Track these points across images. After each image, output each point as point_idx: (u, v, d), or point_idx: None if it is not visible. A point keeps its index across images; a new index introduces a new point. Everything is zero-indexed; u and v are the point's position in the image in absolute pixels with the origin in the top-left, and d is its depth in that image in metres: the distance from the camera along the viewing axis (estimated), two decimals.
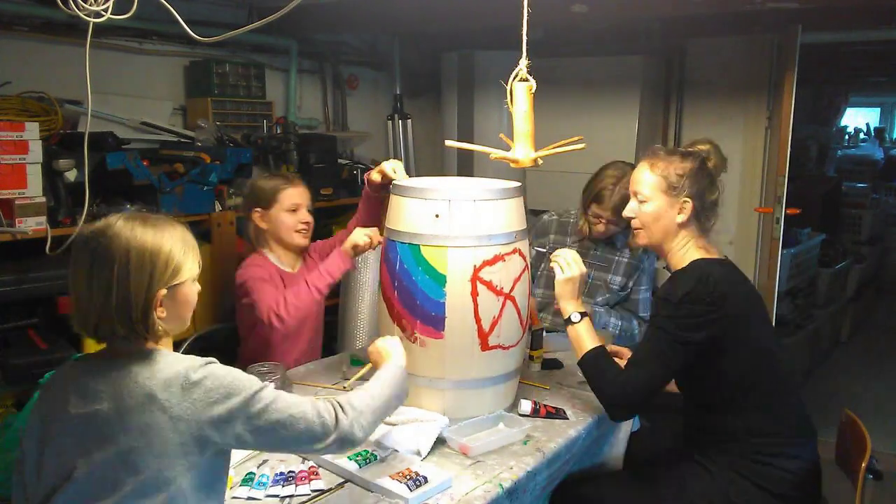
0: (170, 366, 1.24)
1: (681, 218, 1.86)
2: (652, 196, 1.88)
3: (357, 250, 2.18)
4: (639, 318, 2.72)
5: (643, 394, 1.78)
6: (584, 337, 1.91)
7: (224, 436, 1.23)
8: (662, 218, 1.87)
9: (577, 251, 2.63)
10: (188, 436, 1.21)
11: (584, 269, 1.97)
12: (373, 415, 1.41)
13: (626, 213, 1.96)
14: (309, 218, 2.44)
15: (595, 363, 1.86)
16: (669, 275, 1.90)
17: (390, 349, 1.67)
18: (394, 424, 1.84)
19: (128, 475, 1.19)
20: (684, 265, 1.86)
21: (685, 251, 1.88)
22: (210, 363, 1.26)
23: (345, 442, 1.34)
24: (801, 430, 1.85)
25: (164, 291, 1.26)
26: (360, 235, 2.18)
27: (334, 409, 1.34)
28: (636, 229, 1.94)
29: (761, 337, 1.86)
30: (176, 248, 1.29)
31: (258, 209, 2.42)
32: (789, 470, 1.77)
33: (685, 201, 1.85)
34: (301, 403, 1.31)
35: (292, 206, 2.39)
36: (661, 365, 1.78)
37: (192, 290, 1.34)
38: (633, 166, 2.52)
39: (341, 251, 2.20)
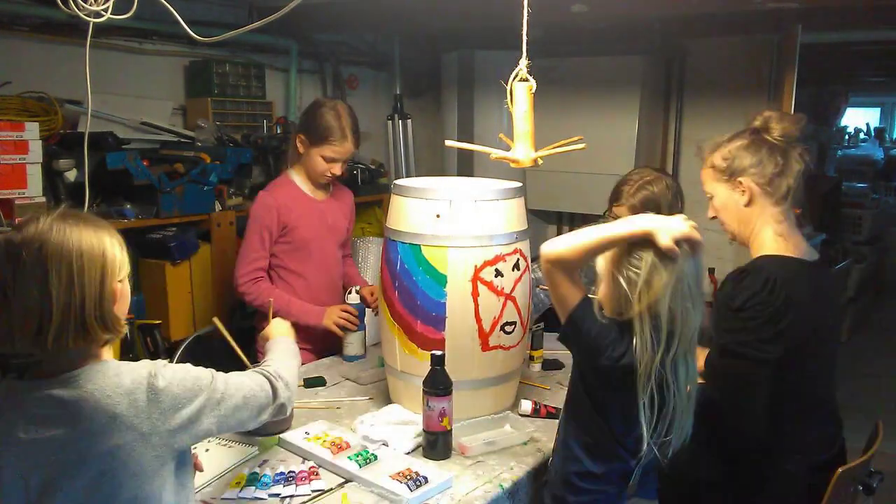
0: (124, 377, 1.19)
1: (744, 199, 1.76)
2: (713, 189, 1.83)
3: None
4: None
5: (744, 414, 1.67)
6: None
7: (194, 434, 1.25)
8: (729, 206, 1.80)
9: None
10: (161, 447, 1.20)
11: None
12: (293, 380, 1.50)
13: (709, 214, 1.88)
14: (338, 171, 2.49)
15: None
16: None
17: (278, 326, 1.76)
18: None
19: (106, 498, 1.16)
20: (757, 254, 1.74)
21: (762, 236, 1.75)
22: (165, 366, 1.25)
23: (282, 409, 1.42)
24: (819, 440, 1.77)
25: (118, 285, 1.23)
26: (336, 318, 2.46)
27: (268, 381, 1.41)
28: (723, 226, 1.87)
29: (823, 357, 1.74)
30: (115, 243, 1.24)
31: (303, 136, 2.46)
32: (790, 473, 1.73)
33: (739, 182, 1.76)
34: (244, 382, 1.36)
35: (330, 157, 2.44)
36: (748, 395, 1.65)
37: (128, 289, 1.28)
38: (665, 174, 2.50)
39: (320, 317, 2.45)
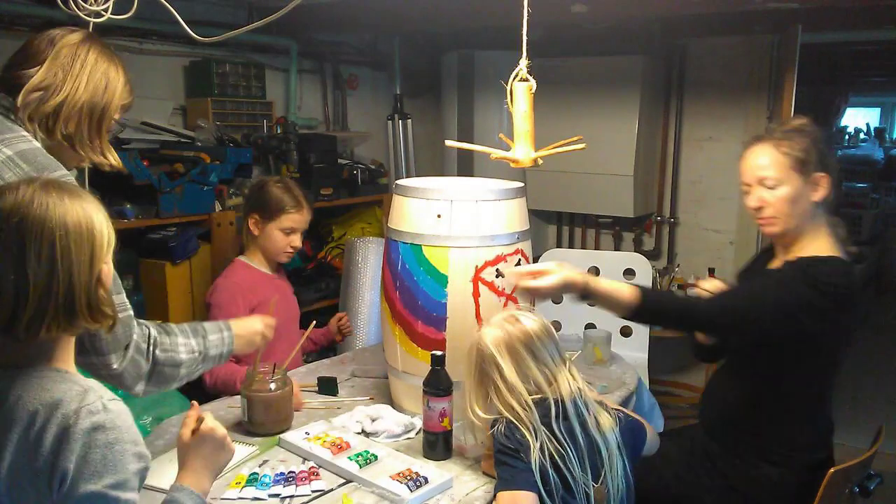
0: (65, 391, 1.04)
1: (817, 195, 1.70)
2: (787, 177, 1.69)
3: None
4: None
5: (744, 315, 1.66)
6: (615, 286, 1.69)
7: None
8: (799, 200, 1.69)
9: None
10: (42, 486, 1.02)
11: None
12: None
13: (753, 203, 1.75)
14: (299, 244, 2.42)
15: (665, 296, 1.82)
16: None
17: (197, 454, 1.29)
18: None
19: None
20: (816, 252, 1.70)
21: (820, 241, 1.72)
22: (114, 410, 1.05)
23: None
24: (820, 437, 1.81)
25: (105, 268, 1.10)
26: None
27: None
28: (769, 218, 1.74)
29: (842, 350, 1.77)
30: (103, 217, 1.11)
31: (256, 216, 2.37)
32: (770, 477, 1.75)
33: (821, 176, 1.69)
34: None
35: (289, 228, 2.36)
36: (772, 302, 1.64)
37: (112, 269, 1.16)
38: None
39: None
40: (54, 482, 1.01)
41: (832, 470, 1.65)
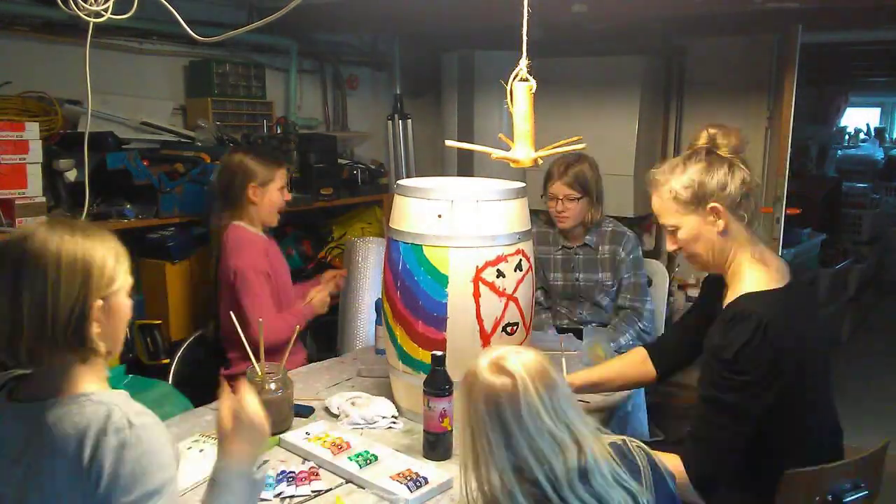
0: (91, 415, 1.10)
1: (718, 227, 1.64)
2: (679, 221, 1.67)
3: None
4: (633, 307, 2.75)
5: (717, 467, 1.61)
6: None
7: None
8: (703, 236, 1.66)
9: (562, 260, 2.83)
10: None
11: None
12: None
13: (669, 248, 1.74)
14: (289, 198, 2.59)
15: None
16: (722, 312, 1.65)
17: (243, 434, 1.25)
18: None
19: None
20: (740, 291, 1.63)
21: (741, 267, 1.66)
22: (139, 425, 1.10)
23: None
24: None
25: (100, 302, 1.12)
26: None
27: None
28: (689, 259, 1.74)
29: (819, 384, 1.70)
30: (109, 255, 1.15)
31: (254, 184, 2.45)
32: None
33: (712, 207, 1.63)
34: None
35: (283, 185, 2.51)
36: (729, 438, 1.60)
37: (126, 303, 1.19)
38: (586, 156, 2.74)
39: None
40: (97, 501, 1.07)
41: (787, 472, 1.54)
